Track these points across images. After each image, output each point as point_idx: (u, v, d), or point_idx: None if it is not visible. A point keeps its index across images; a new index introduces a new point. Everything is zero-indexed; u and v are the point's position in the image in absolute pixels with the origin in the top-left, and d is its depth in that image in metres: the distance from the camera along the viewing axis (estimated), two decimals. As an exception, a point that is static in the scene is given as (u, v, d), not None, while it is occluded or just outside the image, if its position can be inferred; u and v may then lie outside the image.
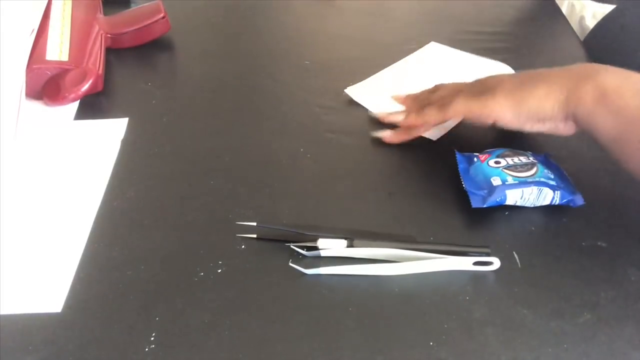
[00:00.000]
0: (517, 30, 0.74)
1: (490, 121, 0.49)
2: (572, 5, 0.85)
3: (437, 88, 0.55)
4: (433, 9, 0.77)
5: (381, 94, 0.60)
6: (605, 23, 0.73)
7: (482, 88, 0.49)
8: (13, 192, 0.50)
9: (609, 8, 0.77)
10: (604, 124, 0.43)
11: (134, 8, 0.71)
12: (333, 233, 0.45)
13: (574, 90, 0.44)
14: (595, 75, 0.44)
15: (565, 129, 0.47)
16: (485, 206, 0.47)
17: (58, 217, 0.48)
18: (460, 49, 0.70)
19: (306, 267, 0.43)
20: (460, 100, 0.50)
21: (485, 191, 0.47)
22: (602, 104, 0.43)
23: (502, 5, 0.79)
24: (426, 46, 0.67)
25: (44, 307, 0.41)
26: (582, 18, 0.82)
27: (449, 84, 0.54)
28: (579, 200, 0.47)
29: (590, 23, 0.80)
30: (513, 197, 0.47)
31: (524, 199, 0.47)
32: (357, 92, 0.61)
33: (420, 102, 0.55)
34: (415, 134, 0.55)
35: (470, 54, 0.66)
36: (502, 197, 0.47)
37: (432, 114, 0.52)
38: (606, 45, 0.70)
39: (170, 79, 0.65)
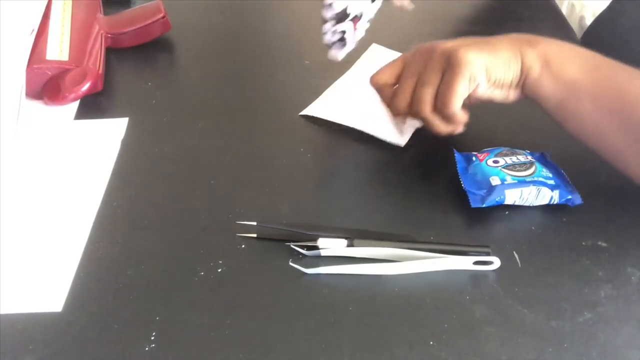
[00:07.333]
0: (516, 30, 0.74)
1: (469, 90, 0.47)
2: (572, 5, 0.85)
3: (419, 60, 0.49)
4: (433, 9, 0.77)
5: (344, 104, 0.58)
6: (601, 21, 0.73)
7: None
8: (13, 192, 0.50)
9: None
10: (548, 90, 0.47)
11: (134, 8, 0.71)
12: (333, 232, 0.45)
13: (524, 58, 0.47)
14: (537, 44, 0.47)
15: (512, 97, 0.50)
16: (484, 206, 0.47)
17: (58, 217, 0.48)
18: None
19: (306, 267, 0.43)
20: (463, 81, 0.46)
21: (485, 191, 0.47)
22: (546, 70, 0.46)
23: (502, 5, 0.79)
24: (369, 49, 0.65)
25: (44, 307, 0.41)
26: (582, 18, 0.82)
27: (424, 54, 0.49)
28: (577, 199, 0.47)
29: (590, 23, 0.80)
30: (512, 197, 0.47)
31: (523, 199, 0.47)
32: (317, 110, 0.58)
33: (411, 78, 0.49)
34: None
35: None
36: (501, 197, 0.47)
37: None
38: (602, 44, 0.70)
39: (170, 79, 0.65)
